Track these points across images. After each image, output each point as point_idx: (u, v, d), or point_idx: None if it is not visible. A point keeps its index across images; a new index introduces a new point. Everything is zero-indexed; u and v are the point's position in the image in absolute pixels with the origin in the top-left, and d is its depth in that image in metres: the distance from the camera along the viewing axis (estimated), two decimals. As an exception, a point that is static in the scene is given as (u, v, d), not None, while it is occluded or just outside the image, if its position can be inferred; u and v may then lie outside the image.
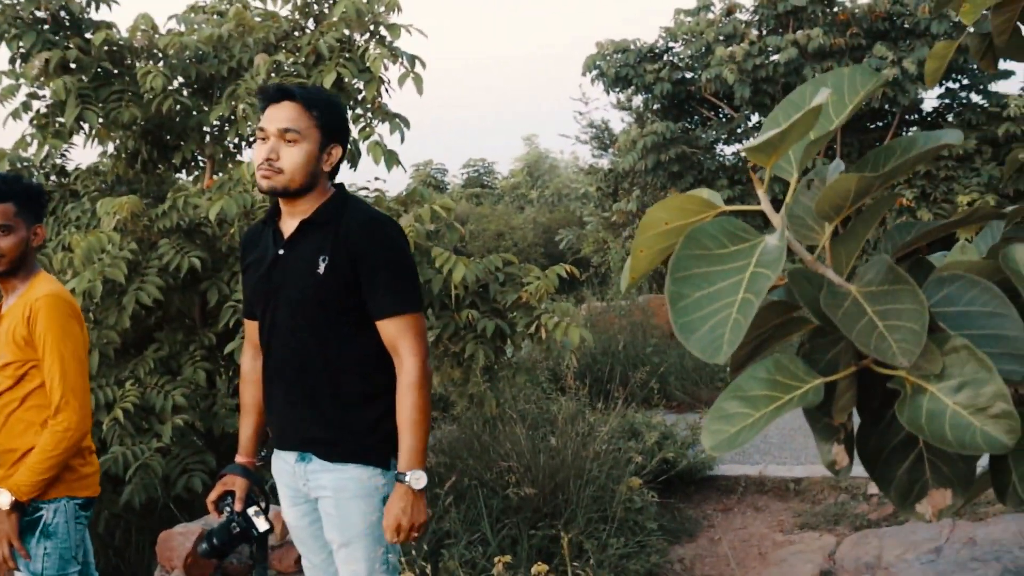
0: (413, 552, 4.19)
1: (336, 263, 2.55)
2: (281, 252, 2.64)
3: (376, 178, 11.87)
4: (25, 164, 5.88)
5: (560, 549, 4.77)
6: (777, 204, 1.23)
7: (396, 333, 2.55)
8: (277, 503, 2.98)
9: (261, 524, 2.75)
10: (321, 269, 2.55)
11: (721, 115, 14.71)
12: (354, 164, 5.64)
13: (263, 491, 2.86)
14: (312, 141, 2.57)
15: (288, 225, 2.66)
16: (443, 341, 5.76)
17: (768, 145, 1.17)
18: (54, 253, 5.27)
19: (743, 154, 1.19)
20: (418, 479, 2.49)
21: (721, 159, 14.28)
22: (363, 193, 5.98)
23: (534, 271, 5.60)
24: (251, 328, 2.84)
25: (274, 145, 2.54)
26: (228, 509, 2.75)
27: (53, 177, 6.20)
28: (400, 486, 2.49)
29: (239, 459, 2.86)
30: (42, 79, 5.38)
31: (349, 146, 5.44)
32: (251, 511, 2.76)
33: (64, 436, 2.82)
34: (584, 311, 11.18)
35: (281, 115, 2.55)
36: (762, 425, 1.17)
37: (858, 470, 1.33)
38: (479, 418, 6.00)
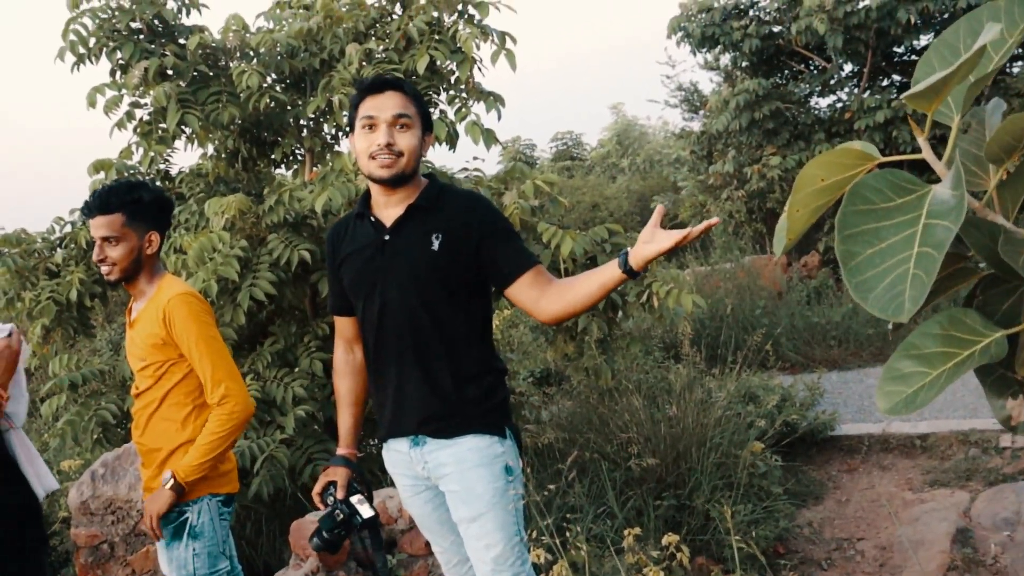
0: (538, 528, 4.19)
1: (450, 239, 2.59)
2: (387, 237, 2.65)
3: (475, 157, 11.81)
4: (131, 172, 6.02)
5: (686, 518, 4.73)
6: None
7: (537, 277, 2.59)
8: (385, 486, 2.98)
9: (365, 511, 2.77)
10: (435, 246, 2.58)
11: (813, 67, 14.32)
12: (453, 146, 5.63)
13: (364, 480, 2.87)
14: (418, 128, 2.64)
15: (388, 213, 2.68)
16: (556, 316, 5.72)
17: (930, 91, 1.10)
18: (167, 256, 5.38)
19: (903, 101, 1.12)
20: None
21: (816, 112, 13.89)
22: (463, 174, 5.98)
23: (640, 240, 5.52)
24: (342, 323, 2.89)
25: (388, 131, 2.57)
26: (331, 499, 2.78)
27: (159, 182, 6.33)
28: None
29: (340, 451, 2.88)
30: (142, 88, 5.49)
31: (447, 128, 5.48)
32: (354, 499, 2.78)
33: (231, 416, 2.91)
34: (689, 276, 11.05)
35: (391, 103, 2.59)
36: (942, 384, 1.11)
37: (987, 423, 1.25)
38: (596, 391, 5.97)
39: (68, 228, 6.03)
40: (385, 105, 2.58)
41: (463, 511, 2.62)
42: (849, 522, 5.28)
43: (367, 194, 2.75)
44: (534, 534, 4.45)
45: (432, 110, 5.56)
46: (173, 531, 2.96)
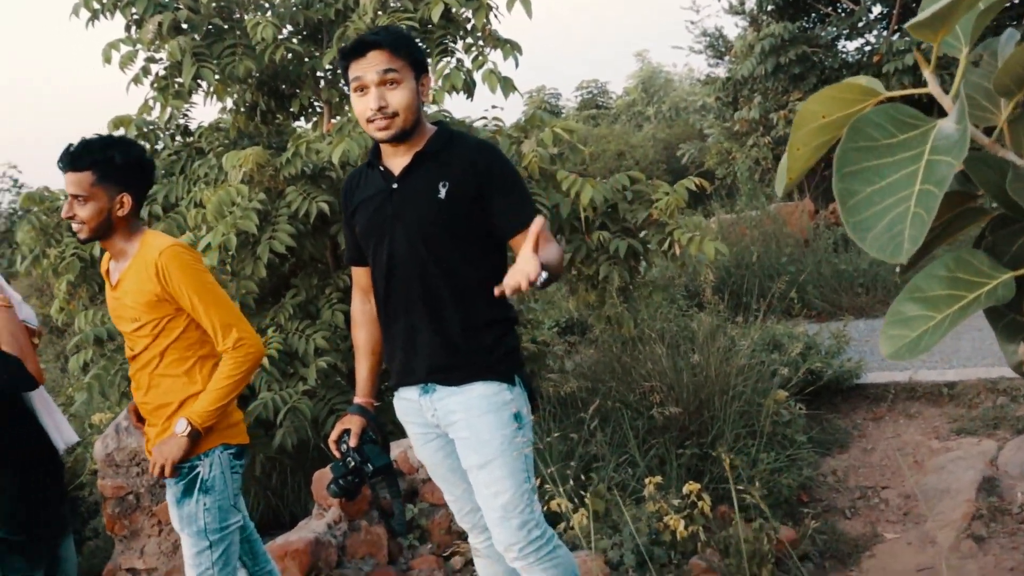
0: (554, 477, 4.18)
1: (457, 187, 2.57)
2: (395, 186, 2.64)
3: (494, 106, 11.71)
4: (151, 127, 6.01)
5: (709, 467, 4.71)
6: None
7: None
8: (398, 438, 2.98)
9: (377, 458, 2.78)
10: (442, 195, 2.56)
11: (840, 9, 14.05)
12: (470, 94, 5.56)
13: (380, 429, 2.86)
14: (409, 78, 2.58)
15: (396, 162, 2.67)
16: (576, 264, 5.70)
17: (935, 19, 1.05)
18: (187, 210, 5.38)
19: (907, 29, 1.07)
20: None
21: (844, 56, 13.65)
22: (481, 123, 5.92)
23: (662, 187, 5.47)
24: (358, 273, 2.88)
25: (377, 93, 2.54)
26: (345, 447, 2.79)
27: (179, 137, 6.32)
28: None
29: (356, 400, 2.88)
30: (157, 42, 5.45)
31: (464, 76, 5.41)
32: (367, 447, 2.78)
33: (247, 358, 2.86)
34: (714, 224, 10.95)
35: (375, 62, 2.54)
36: (946, 328, 1.07)
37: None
38: (618, 340, 5.94)
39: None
40: (369, 66, 2.54)
41: (472, 458, 2.61)
42: (874, 470, 5.24)
43: (377, 144, 2.72)
44: (548, 482, 4.46)
45: (448, 59, 5.49)
46: (184, 487, 2.91)
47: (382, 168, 2.69)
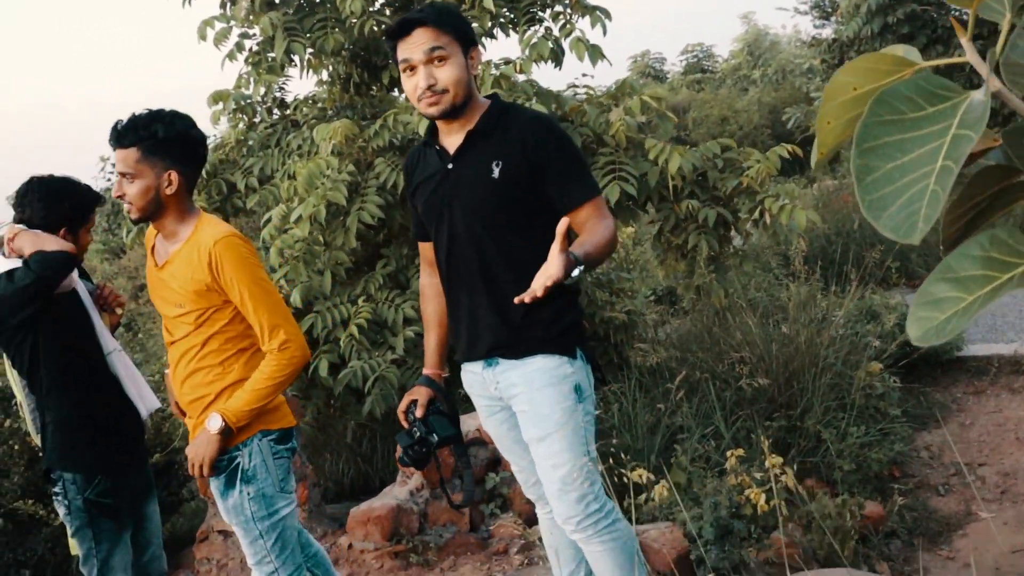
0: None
1: (511, 166, 2.56)
2: (450, 166, 2.65)
3: (584, 74, 11.57)
4: (247, 101, 6.13)
5: (797, 440, 4.63)
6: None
7: (590, 215, 2.56)
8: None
9: (443, 428, 2.79)
10: (496, 174, 2.56)
11: (956, -36, 13.47)
12: (558, 63, 5.53)
13: (449, 399, 2.88)
14: (457, 53, 2.56)
15: (451, 141, 2.67)
16: (664, 234, 5.64)
17: (968, -17, 1.00)
18: (281, 182, 5.49)
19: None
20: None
21: (957, 13, 13.10)
22: (570, 92, 5.87)
23: (754, 154, 5.35)
24: (425, 248, 2.89)
25: (425, 72, 2.53)
26: (412, 417, 2.81)
27: (276, 111, 6.44)
28: None
29: (425, 371, 2.91)
30: (250, 18, 5.56)
31: (551, 45, 5.38)
32: (433, 418, 2.80)
33: (291, 361, 2.76)
34: (815, 191, 10.69)
35: (421, 40, 2.53)
36: (976, 310, 1.03)
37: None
38: (708, 310, 5.87)
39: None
40: (416, 44, 2.53)
41: (532, 431, 2.62)
42: (971, 446, 5.08)
43: (433, 122, 2.72)
44: (638, 454, 4.45)
45: (536, 27, 5.46)
46: (226, 479, 2.81)
47: (438, 148, 2.69)
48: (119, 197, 2.73)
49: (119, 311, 3.14)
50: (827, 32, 15.64)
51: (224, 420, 2.72)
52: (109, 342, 3.17)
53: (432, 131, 2.75)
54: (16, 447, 4.87)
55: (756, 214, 5.23)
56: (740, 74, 27.87)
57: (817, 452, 4.56)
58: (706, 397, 4.90)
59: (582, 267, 2.27)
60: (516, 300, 2.26)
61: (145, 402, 3.19)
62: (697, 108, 21.39)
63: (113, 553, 3.10)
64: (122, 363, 3.16)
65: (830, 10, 15.62)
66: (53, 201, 3.11)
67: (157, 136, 2.70)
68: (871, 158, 0.99)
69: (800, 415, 4.70)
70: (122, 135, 2.69)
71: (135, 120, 2.71)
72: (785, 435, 4.65)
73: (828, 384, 4.79)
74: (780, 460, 3.85)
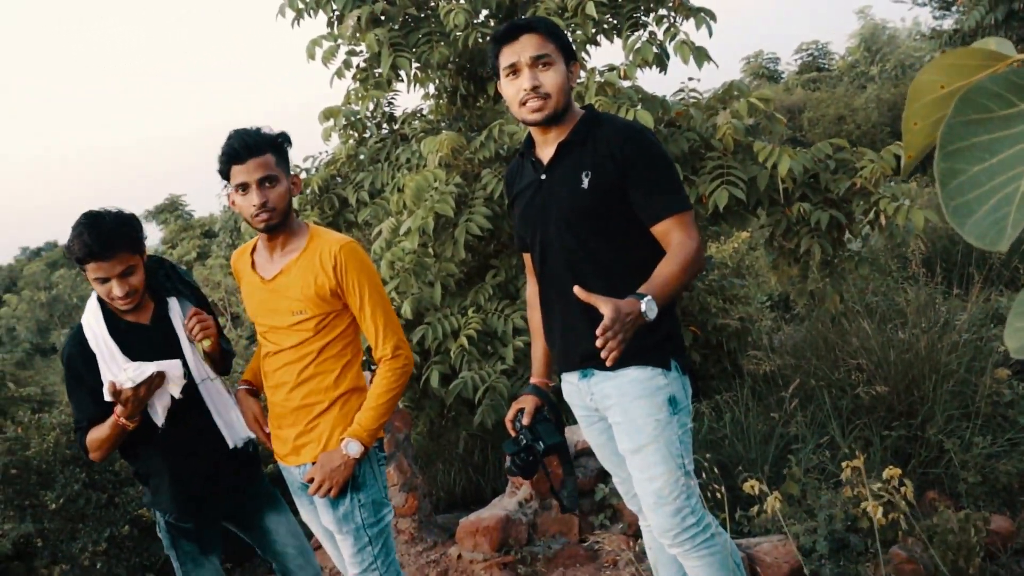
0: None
1: (600, 176, 2.57)
2: (543, 177, 2.69)
3: (690, 78, 11.34)
4: (357, 117, 6.26)
5: (917, 450, 4.46)
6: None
7: (671, 229, 2.52)
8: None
9: (550, 436, 2.79)
10: (585, 184, 2.57)
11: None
12: (663, 68, 5.47)
13: (555, 408, 2.88)
14: (560, 62, 2.61)
15: (546, 152, 2.71)
16: (776, 238, 5.53)
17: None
18: (391, 195, 5.57)
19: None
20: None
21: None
22: (678, 96, 5.81)
23: (868, 154, 5.19)
24: (528, 258, 2.93)
25: (531, 74, 2.57)
26: (518, 425, 2.82)
27: (385, 125, 6.55)
28: None
29: (532, 380, 2.93)
30: (356, 35, 5.67)
31: (656, 49, 5.33)
32: (540, 426, 2.80)
33: (404, 369, 2.87)
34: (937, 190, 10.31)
35: (529, 45, 2.58)
36: (1079, 322, 0.97)
37: None
38: (822, 316, 5.72)
39: (303, 175, 6.35)
40: (523, 49, 2.58)
41: (626, 443, 2.61)
42: (1112, 456, 4.80)
43: (529, 134, 2.77)
44: (750, 465, 4.35)
45: (640, 31, 5.42)
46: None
47: (533, 159, 2.74)
48: (260, 204, 2.77)
49: (206, 343, 3.03)
50: (948, 23, 15.12)
51: (362, 444, 2.83)
52: (201, 370, 3.10)
53: (529, 142, 2.78)
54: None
55: (871, 215, 5.07)
56: (857, 71, 27.14)
57: (939, 463, 4.38)
58: (821, 406, 4.77)
59: (649, 300, 2.24)
60: (603, 356, 2.18)
61: (233, 432, 3.14)
62: (812, 108, 20.89)
63: (195, 573, 3.14)
64: (217, 393, 3.12)
65: (950, 0, 15.09)
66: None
67: (284, 143, 2.88)
68: (956, 161, 0.94)
69: (921, 424, 4.53)
70: (256, 145, 2.79)
71: (256, 131, 2.83)
72: (905, 445, 4.49)
73: (951, 392, 4.60)
74: (899, 471, 3.71)
